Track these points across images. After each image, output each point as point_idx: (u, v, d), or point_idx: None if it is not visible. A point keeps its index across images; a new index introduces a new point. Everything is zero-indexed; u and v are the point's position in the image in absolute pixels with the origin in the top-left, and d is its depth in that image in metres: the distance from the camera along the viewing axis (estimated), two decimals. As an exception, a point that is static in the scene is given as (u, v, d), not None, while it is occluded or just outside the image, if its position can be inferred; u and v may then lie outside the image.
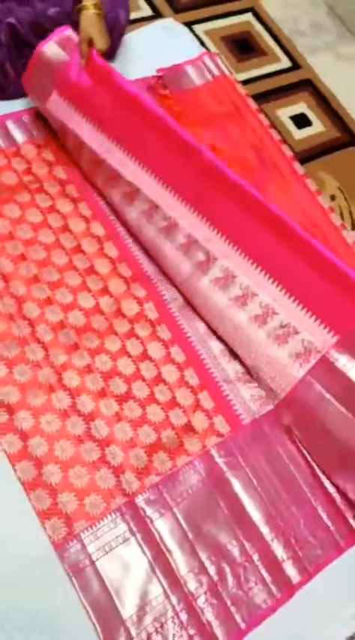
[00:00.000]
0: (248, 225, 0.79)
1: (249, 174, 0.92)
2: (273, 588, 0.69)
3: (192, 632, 0.65)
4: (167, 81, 1.05)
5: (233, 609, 0.67)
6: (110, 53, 1.04)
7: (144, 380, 0.78)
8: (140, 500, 0.70)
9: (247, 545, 0.70)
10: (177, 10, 1.22)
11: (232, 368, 0.81)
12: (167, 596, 0.66)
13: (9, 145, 0.93)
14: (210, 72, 1.09)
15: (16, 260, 0.82)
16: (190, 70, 1.08)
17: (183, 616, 0.65)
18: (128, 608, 0.64)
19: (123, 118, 0.85)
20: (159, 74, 1.04)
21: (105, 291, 0.83)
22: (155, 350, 0.81)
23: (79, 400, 0.74)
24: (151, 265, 0.87)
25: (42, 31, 0.92)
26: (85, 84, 0.87)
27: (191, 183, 0.81)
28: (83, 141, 0.88)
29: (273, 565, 0.70)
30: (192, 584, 0.67)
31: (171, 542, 0.69)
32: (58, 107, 0.89)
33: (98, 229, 0.88)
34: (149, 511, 0.70)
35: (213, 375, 0.81)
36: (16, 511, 0.67)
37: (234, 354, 0.82)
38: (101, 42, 0.86)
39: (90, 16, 0.85)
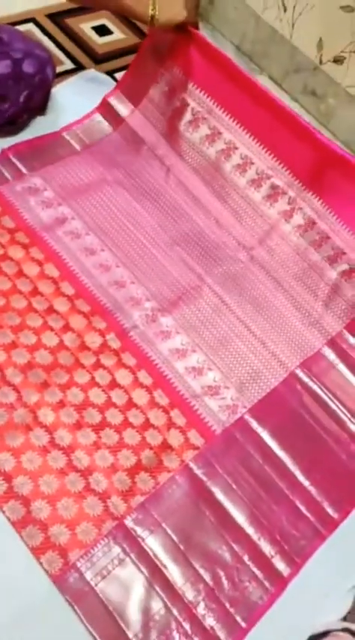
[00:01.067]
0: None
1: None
2: (266, 584, 0.72)
3: (197, 639, 0.67)
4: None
5: (232, 610, 0.70)
6: (41, 108, 1.10)
7: (116, 407, 0.81)
8: (129, 522, 0.73)
9: (236, 547, 0.74)
10: (96, 60, 1.30)
11: (198, 383, 0.86)
12: (168, 609, 0.68)
13: None
14: None
15: (-25, 310, 0.85)
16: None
17: (187, 625, 0.68)
18: (133, 627, 0.66)
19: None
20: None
21: (67, 327, 0.87)
22: (123, 377, 0.84)
23: (57, 435, 0.76)
24: (108, 298, 0.91)
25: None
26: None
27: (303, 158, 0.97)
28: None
29: (263, 562, 0.73)
30: (190, 594, 0.70)
31: (164, 557, 0.71)
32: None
33: (52, 271, 0.92)
34: (139, 530, 0.72)
35: (181, 392, 0.85)
36: (9, 552, 0.68)
37: (198, 370, 0.87)
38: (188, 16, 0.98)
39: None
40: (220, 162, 1.05)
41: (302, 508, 0.79)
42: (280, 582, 0.73)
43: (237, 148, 1.03)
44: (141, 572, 0.70)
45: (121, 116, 1.13)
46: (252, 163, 1.02)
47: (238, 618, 0.69)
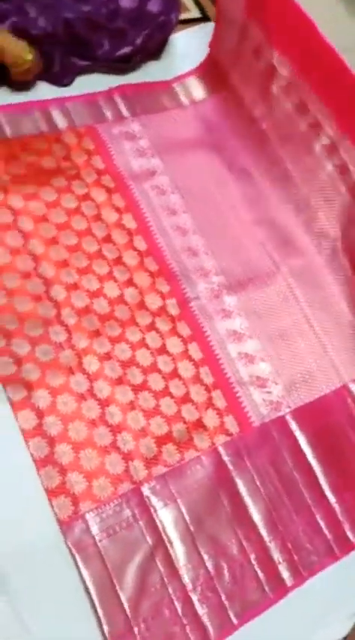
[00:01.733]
0: None
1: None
2: (267, 588, 0.70)
3: (185, 621, 0.66)
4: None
5: (227, 604, 0.68)
6: (157, 52, 1.06)
7: (160, 372, 0.80)
8: (146, 489, 0.72)
9: (246, 544, 0.72)
10: (224, 15, 1.24)
11: (246, 371, 0.83)
12: (164, 585, 0.68)
13: (51, 131, 0.95)
14: None
15: (48, 243, 0.84)
16: None
17: (179, 605, 0.67)
18: (126, 591, 0.66)
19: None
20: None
21: (130, 282, 0.85)
22: (173, 345, 0.82)
23: (97, 385, 0.76)
24: (177, 263, 0.89)
25: (95, 28, 0.94)
26: None
27: None
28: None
29: (269, 566, 0.72)
30: (189, 576, 0.69)
31: (172, 533, 0.70)
32: None
33: (129, 222, 0.90)
34: (154, 500, 0.72)
35: (227, 375, 0.82)
36: (25, 486, 0.68)
37: (250, 358, 0.84)
38: None
39: None
40: (310, 139, 0.95)
41: (322, 523, 0.76)
42: (280, 590, 0.71)
43: (322, 128, 0.92)
44: (146, 541, 0.69)
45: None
46: (336, 149, 0.92)
47: (231, 613, 0.68)
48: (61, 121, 0.97)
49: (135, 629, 0.65)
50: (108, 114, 1.00)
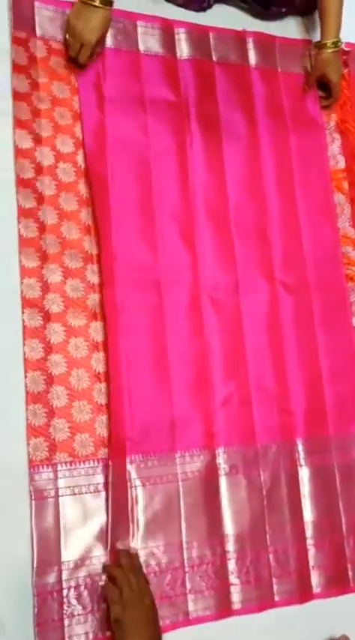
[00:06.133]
0: None
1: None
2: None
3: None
4: (350, 59, 0.94)
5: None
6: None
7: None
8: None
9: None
10: None
11: None
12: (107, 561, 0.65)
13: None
14: None
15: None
16: None
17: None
18: (69, 553, 0.64)
19: None
20: (347, 49, 0.93)
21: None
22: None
23: (114, 339, 0.72)
24: None
25: None
26: None
27: None
28: None
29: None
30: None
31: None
32: None
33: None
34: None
35: None
36: (8, 416, 0.66)
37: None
38: (337, 77, 0.88)
39: (327, 56, 0.86)
40: None
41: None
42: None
43: None
44: (108, 513, 0.66)
45: None
46: None
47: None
48: None
49: (65, 592, 0.63)
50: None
